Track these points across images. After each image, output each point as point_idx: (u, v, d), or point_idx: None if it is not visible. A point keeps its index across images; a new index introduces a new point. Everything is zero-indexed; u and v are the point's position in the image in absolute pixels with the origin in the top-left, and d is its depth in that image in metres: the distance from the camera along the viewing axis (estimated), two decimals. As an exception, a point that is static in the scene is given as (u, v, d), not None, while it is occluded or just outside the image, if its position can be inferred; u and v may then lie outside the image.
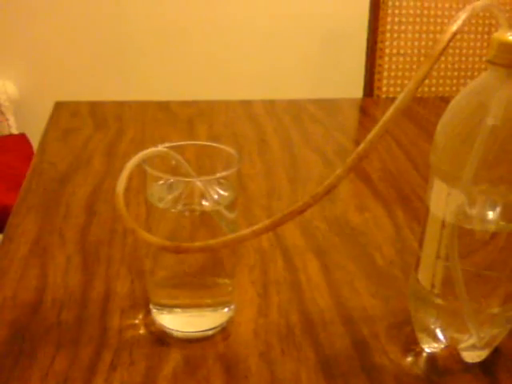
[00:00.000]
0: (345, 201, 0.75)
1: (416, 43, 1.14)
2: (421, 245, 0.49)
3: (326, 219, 0.70)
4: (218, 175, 0.46)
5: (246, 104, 1.04)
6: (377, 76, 1.14)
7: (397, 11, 1.12)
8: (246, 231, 0.37)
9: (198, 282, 0.49)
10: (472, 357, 0.49)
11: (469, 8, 0.36)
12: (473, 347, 0.49)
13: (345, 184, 0.79)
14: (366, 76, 1.16)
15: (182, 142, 0.49)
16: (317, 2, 1.97)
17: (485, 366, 0.49)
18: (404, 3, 1.12)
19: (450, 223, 0.45)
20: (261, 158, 0.84)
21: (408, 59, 1.15)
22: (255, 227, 0.37)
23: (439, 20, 1.13)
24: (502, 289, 0.47)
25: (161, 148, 0.47)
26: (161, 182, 0.47)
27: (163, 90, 1.88)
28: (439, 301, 0.48)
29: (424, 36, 1.14)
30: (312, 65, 2.04)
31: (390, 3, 1.11)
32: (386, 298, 0.57)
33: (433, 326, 0.49)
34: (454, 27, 0.34)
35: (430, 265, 0.47)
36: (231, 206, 0.49)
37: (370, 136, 0.34)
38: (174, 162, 0.48)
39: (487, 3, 0.38)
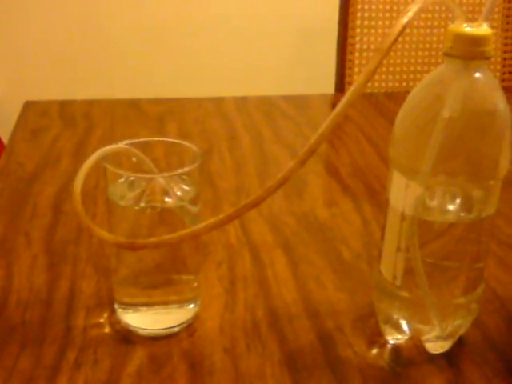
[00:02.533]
0: (313, 196, 0.75)
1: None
2: (382, 237, 0.49)
3: (295, 214, 0.70)
4: (179, 171, 0.46)
5: (218, 101, 1.04)
6: (348, 71, 1.15)
7: (366, 6, 1.13)
8: (200, 225, 0.37)
9: (162, 279, 0.49)
10: (436, 348, 0.50)
11: (420, 0, 0.36)
12: (436, 338, 0.49)
13: (313, 179, 0.79)
14: (337, 72, 1.16)
15: (143, 139, 0.49)
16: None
17: (449, 357, 0.50)
18: (373, -2, 1.13)
19: (409, 215, 0.45)
20: (231, 155, 0.84)
21: (378, 54, 1.15)
22: (209, 221, 0.37)
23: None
24: (462, 279, 0.47)
25: (121, 145, 0.47)
26: (122, 179, 0.47)
27: (134, 88, 1.87)
28: (401, 292, 0.48)
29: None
30: (285, 61, 2.04)
31: (358, 22, 1.12)
32: (352, 292, 0.57)
33: (396, 318, 0.50)
34: (405, 20, 0.34)
35: (391, 257, 0.48)
36: (194, 202, 0.49)
37: (320, 130, 0.35)
38: (134, 159, 0.47)
39: (439, -4, 0.38)
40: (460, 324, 0.49)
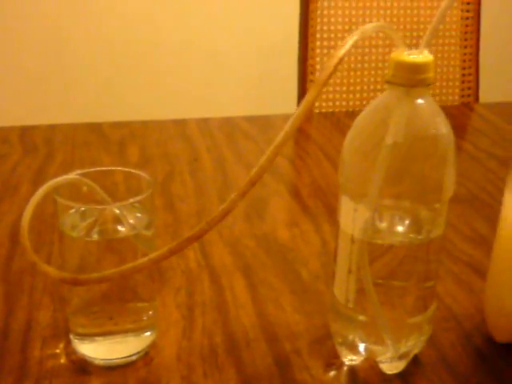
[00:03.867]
0: (274, 217, 0.76)
1: (345, 58, 1.16)
2: (335, 260, 0.50)
3: (255, 237, 0.71)
4: (131, 200, 0.46)
5: (180, 123, 1.04)
6: (309, 91, 1.16)
7: (325, 27, 1.14)
8: (143, 260, 0.37)
9: (113, 308, 0.49)
10: (390, 368, 0.51)
11: (357, 32, 0.37)
12: (390, 359, 0.50)
13: (275, 200, 0.80)
14: (298, 92, 1.17)
15: (94, 169, 0.49)
16: (249, 19, 1.99)
17: (404, 377, 0.51)
18: (332, 19, 1.15)
19: (358, 239, 0.46)
20: (192, 178, 0.85)
21: (339, 74, 1.17)
22: (152, 255, 0.37)
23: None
24: (413, 299, 0.48)
25: (71, 176, 0.47)
26: (73, 210, 0.47)
27: (96, 112, 1.87)
28: (354, 314, 0.49)
29: (353, 51, 1.16)
30: (248, 81, 2.05)
31: (318, 19, 1.13)
32: (310, 313, 0.58)
33: (351, 339, 0.50)
34: (341, 52, 0.35)
35: (343, 279, 0.48)
36: (148, 229, 0.49)
37: (261, 161, 0.35)
38: (85, 189, 0.47)
39: (378, 25, 0.39)
40: (413, 344, 0.50)
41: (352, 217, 0.46)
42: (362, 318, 0.48)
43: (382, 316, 0.47)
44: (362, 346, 0.50)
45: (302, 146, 0.99)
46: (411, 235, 0.48)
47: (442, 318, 0.58)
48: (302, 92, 1.16)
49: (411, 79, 0.42)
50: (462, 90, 1.26)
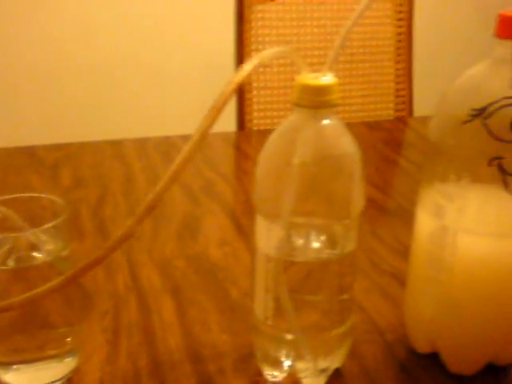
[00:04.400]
0: (207, 237, 0.76)
1: (281, 76, 1.18)
2: (253, 278, 0.50)
3: (187, 256, 0.71)
4: (45, 226, 0.46)
5: (116, 144, 1.04)
6: (247, 109, 1.17)
7: (261, 46, 1.16)
8: (40, 289, 0.37)
9: (27, 336, 0.48)
10: (312, 383, 0.51)
11: (257, 57, 0.38)
12: (311, 374, 0.51)
13: (208, 219, 0.80)
14: (237, 110, 1.19)
15: (9, 196, 0.49)
16: (187, 37, 2.00)
17: (326, 391, 0.51)
18: (267, 38, 1.16)
19: (273, 257, 0.46)
20: (125, 199, 0.85)
21: (275, 92, 1.19)
22: (50, 284, 0.37)
23: (301, 53, 1.17)
24: (330, 313, 0.49)
25: (-17, 203, 0.46)
26: (-14, 238, 0.46)
27: (30, 134, 1.84)
28: (273, 331, 0.49)
29: (288, 69, 1.18)
30: (185, 100, 2.05)
31: (253, 39, 1.15)
32: (237, 332, 0.58)
33: (272, 356, 0.51)
34: (238, 78, 0.36)
35: (261, 297, 0.49)
36: (64, 254, 0.49)
37: (157, 188, 0.36)
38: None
39: (279, 50, 0.41)
40: (333, 358, 0.51)
41: (266, 236, 0.46)
42: (281, 334, 0.49)
43: (300, 332, 0.48)
44: (283, 363, 0.51)
45: (239, 165, 1.00)
46: (327, 251, 0.49)
47: (365, 330, 0.59)
48: (240, 110, 1.18)
49: (316, 101, 0.43)
50: (397, 104, 1.29)
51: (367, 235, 0.77)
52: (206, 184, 0.91)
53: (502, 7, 0.46)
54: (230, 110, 1.21)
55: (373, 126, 1.16)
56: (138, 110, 2.02)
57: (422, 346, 0.55)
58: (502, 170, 0.44)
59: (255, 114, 1.18)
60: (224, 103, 0.35)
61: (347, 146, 0.44)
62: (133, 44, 1.98)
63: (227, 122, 1.28)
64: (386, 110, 1.27)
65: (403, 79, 1.30)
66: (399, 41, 1.28)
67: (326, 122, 0.44)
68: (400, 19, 1.25)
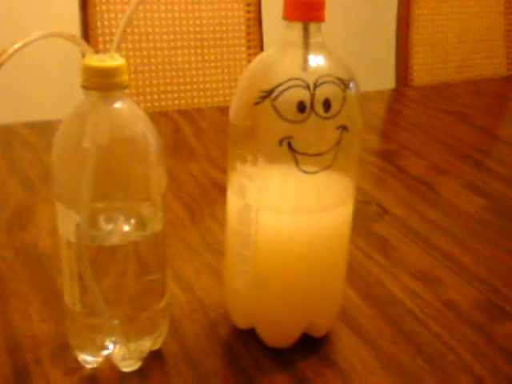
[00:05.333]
0: (39, 226, 0.74)
1: (131, 60, 1.17)
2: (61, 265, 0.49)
3: (14, 247, 0.69)
4: None
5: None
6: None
7: (107, 30, 1.14)
8: None
9: None
10: (128, 366, 0.51)
11: (22, 41, 0.37)
12: (126, 357, 0.51)
13: (43, 208, 0.78)
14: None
15: None
16: (34, 20, 1.91)
17: (142, 373, 0.52)
18: (113, 22, 1.14)
19: (74, 243, 0.46)
20: (-45, 190, 0.81)
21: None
22: None
23: (151, 37, 1.17)
24: (141, 294, 0.49)
25: None
26: None
27: None
28: (83, 318, 0.49)
29: (138, 53, 1.17)
30: (45, 85, 1.98)
31: (98, 23, 1.13)
32: (58, 321, 0.57)
33: (86, 342, 0.50)
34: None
35: (68, 284, 0.49)
36: None
37: None
38: None
39: (49, 33, 0.40)
40: (149, 340, 0.51)
41: (65, 221, 0.46)
42: (91, 320, 0.49)
43: (110, 317, 0.48)
44: (98, 349, 0.51)
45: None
46: (136, 233, 0.49)
47: (191, 310, 0.60)
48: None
49: (105, 84, 0.43)
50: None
51: (206, 217, 0.78)
52: (43, 172, 0.88)
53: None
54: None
55: (224, 110, 1.18)
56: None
57: (242, 323, 0.57)
58: (292, 149, 0.45)
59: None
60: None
61: (141, 127, 0.45)
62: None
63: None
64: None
65: (256, 63, 1.32)
66: (249, 26, 1.30)
67: (116, 104, 0.44)
68: (248, 4, 1.27)
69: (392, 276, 0.66)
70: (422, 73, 1.45)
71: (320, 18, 0.46)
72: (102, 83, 0.42)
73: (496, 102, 1.32)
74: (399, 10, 1.43)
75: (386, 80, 1.49)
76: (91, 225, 0.46)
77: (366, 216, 0.78)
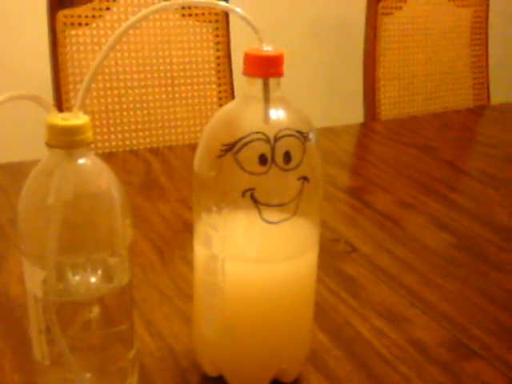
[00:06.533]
0: (11, 272, 0.74)
1: (102, 100, 1.18)
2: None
3: (-16, 295, 0.69)
4: None
5: None
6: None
7: (77, 71, 1.15)
8: None
9: None
10: (97, 418, 0.51)
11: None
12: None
13: (12, 254, 0.78)
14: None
15: None
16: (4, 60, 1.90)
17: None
18: (84, 62, 1.15)
19: (41, 298, 0.46)
20: None
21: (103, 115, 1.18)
22: None
23: (121, 76, 1.18)
24: (111, 345, 0.50)
25: None
26: None
27: None
28: (52, 371, 0.49)
29: (109, 92, 1.18)
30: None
31: (69, 63, 1.13)
32: (30, 371, 0.56)
33: (54, 396, 0.50)
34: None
35: (36, 338, 0.49)
36: None
37: None
38: None
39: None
40: (117, 391, 0.52)
41: (32, 277, 0.46)
42: (61, 374, 0.49)
43: (79, 370, 0.48)
44: (64, 401, 0.51)
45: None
46: (103, 286, 0.49)
47: (161, 358, 0.60)
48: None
49: (69, 142, 0.43)
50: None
51: (177, 260, 0.78)
52: (14, 216, 0.88)
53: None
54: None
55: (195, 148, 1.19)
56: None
57: (211, 370, 0.57)
58: (255, 200, 0.46)
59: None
60: None
61: (105, 183, 0.45)
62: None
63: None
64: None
65: (226, 102, 1.33)
66: (218, 64, 1.31)
67: (81, 161, 0.44)
68: (218, 43, 1.29)
69: (360, 316, 0.67)
70: (389, 106, 1.48)
71: (279, 74, 0.47)
72: (65, 141, 0.43)
73: (463, 134, 1.35)
74: (366, 45, 1.46)
75: (358, 113, 1.51)
76: (58, 278, 0.46)
77: (334, 254, 0.79)
